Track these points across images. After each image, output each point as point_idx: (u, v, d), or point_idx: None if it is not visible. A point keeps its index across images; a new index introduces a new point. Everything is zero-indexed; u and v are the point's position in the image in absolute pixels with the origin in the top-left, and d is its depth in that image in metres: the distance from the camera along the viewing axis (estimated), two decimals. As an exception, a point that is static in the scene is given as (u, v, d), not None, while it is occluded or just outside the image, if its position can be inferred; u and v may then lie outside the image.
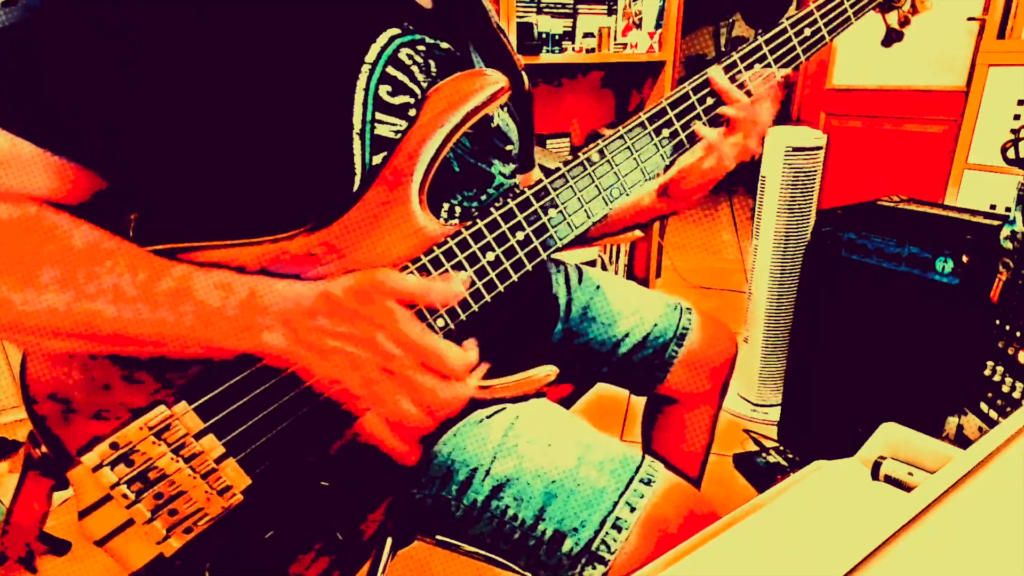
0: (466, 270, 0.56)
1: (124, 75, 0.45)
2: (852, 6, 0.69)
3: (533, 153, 0.87)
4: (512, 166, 0.71)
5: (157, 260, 0.47)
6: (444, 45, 0.61)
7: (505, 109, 0.71)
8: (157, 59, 0.46)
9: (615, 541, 0.55)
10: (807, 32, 0.67)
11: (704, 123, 0.64)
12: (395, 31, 0.56)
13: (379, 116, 0.54)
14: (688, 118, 0.64)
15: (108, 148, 0.47)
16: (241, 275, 0.49)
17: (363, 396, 0.49)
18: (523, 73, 0.73)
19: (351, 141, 0.53)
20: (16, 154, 0.44)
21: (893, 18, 0.76)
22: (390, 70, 0.55)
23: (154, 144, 0.49)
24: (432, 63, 0.59)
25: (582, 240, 0.81)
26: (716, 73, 0.64)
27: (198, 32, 0.47)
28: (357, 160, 0.53)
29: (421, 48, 0.58)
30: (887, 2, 0.73)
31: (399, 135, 0.55)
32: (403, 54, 0.56)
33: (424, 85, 0.58)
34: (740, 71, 0.66)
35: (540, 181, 0.58)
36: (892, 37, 0.77)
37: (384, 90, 0.54)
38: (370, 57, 0.54)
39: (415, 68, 0.57)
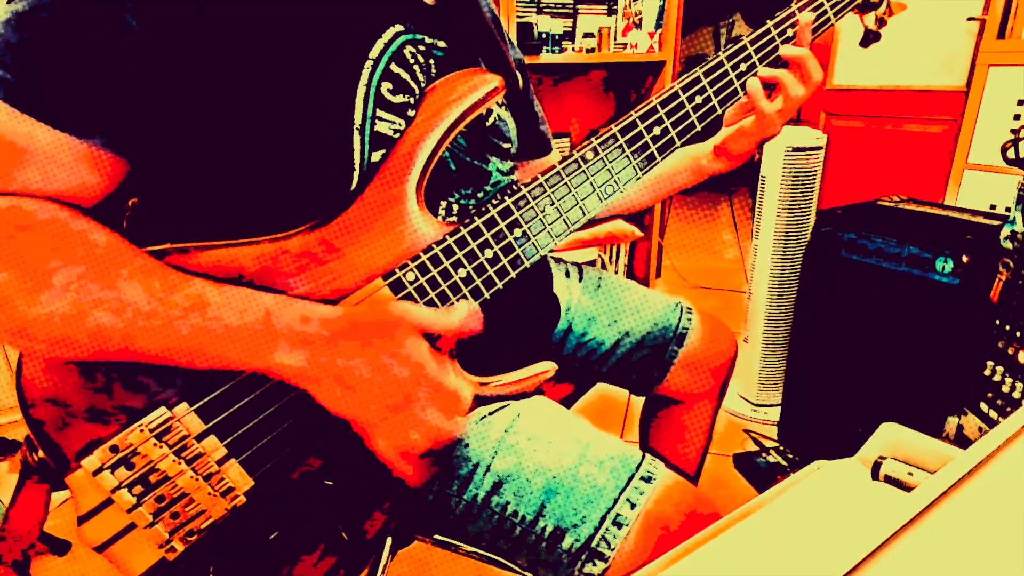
0: (464, 267, 0.56)
1: (130, 69, 0.45)
2: (833, 7, 0.71)
3: (546, 137, 0.87)
4: (510, 163, 0.71)
5: (173, 273, 0.47)
6: (442, 44, 0.62)
7: (503, 106, 0.71)
8: (163, 53, 0.46)
9: (615, 538, 0.55)
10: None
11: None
12: (399, 28, 0.56)
13: (379, 113, 0.54)
14: (679, 114, 0.63)
15: (135, 137, 0.47)
16: (258, 293, 0.48)
17: (376, 425, 0.48)
18: (519, 73, 0.73)
19: (351, 137, 0.53)
20: (50, 147, 0.44)
21: (870, 19, 0.79)
22: (393, 67, 0.55)
23: (160, 137, 0.49)
24: (432, 63, 0.59)
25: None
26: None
27: (205, 24, 0.47)
28: (356, 156, 0.53)
29: (421, 47, 0.59)
30: (865, 3, 0.76)
31: (398, 134, 0.55)
32: (407, 51, 0.56)
33: (423, 85, 0.58)
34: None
35: (536, 178, 0.58)
36: (870, 38, 0.80)
37: (385, 87, 0.54)
38: (374, 53, 0.54)
39: (417, 67, 0.57)
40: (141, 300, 0.45)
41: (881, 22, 0.79)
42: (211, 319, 0.46)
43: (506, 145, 0.70)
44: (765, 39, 0.68)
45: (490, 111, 0.67)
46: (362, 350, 0.47)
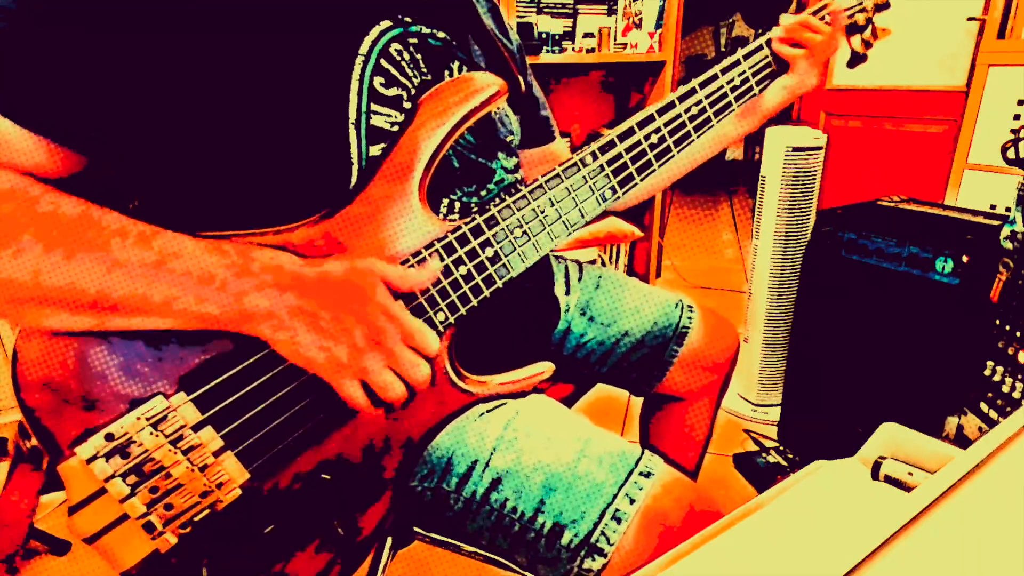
0: (465, 264, 0.56)
1: (114, 63, 0.46)
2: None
3: (548, 123, 0.87)
4: (515, 160, 0.72)
5: (146, 225, 0.48)
6: (440, 34, 0.62)
7: (504, 99, 0.71)
8: (149, 48, 0.46)
9: (615, 533, 0.55)
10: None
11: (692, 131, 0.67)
12: (387, 23, 0.57)
13: (374, 107, 0.55)
14: (675, 124, 0.66)
15: (92, 132, 0.48)
16: (231, 241, 0.49)
17: (348, 363, 0.50)
18: (520, 77, 0.74)
19: (347, 131, 0.53)
20: (5, 132, 0.45)
21: (856, 42, 0.82)
22: (383, 62, 0.56)
23: (147, 133, 0.49)
24: (421, 57, 0.60)
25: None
26: (785, 18, 0.75)
27: (192, 21, 0.47)
28: (353, 151, 0.54)
29: (413, 40, 0.59)
30: (851, 26, 0.80)
31: (395, 127, 0.56)
32: (393, 48, 0.57)
33: (415, 80, 0.59)
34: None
35: (537, 180, 0.59)
36: (856, 59, 0.83)
37: (378, 81, 0.55)
38: (364, 48, 0.55)
39: (404, 63, 0.58)
40: (117, 250, 0.46)
41: (867, 44, 0.82)
42: (186, 264, 0.47)
43: (509, 138, 0.71)
44: (759, 54, 0.73)
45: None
46: (333, 289, 0.49)
